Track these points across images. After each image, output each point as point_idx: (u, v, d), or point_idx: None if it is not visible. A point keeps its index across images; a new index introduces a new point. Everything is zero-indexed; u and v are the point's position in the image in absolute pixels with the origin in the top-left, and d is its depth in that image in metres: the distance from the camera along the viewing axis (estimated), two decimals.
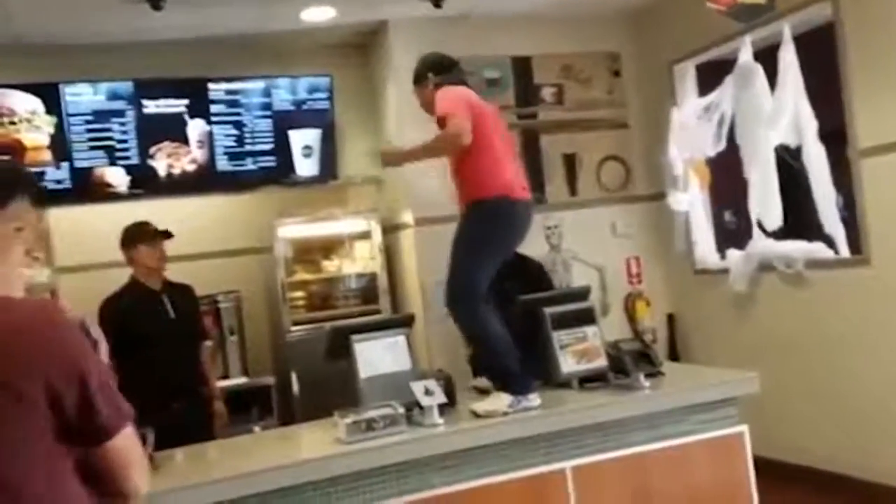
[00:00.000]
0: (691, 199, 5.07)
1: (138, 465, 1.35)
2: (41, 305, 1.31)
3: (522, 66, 5.21)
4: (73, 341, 1.28)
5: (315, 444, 2.86)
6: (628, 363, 3.01)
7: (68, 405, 1.22)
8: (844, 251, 4.27)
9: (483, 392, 3.06)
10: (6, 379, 1.19)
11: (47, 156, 4.66)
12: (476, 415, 2.82)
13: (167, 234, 3.78)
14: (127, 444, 1.32)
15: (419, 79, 3.24)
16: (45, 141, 4.67)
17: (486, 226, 2.96)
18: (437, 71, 3.22)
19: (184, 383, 3.65)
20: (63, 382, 1.22)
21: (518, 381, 2.85)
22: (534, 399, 2.85)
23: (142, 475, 1.36)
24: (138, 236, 3.71)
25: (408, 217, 5.01)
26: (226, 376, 4.67)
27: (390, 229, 5.21)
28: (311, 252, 5.11)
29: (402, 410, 2.77)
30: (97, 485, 1.30)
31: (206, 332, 4.09)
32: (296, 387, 4.68)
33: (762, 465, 3.37)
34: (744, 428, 3.13)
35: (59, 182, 4.65)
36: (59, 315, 1.28)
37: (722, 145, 4.70)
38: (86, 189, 4.72)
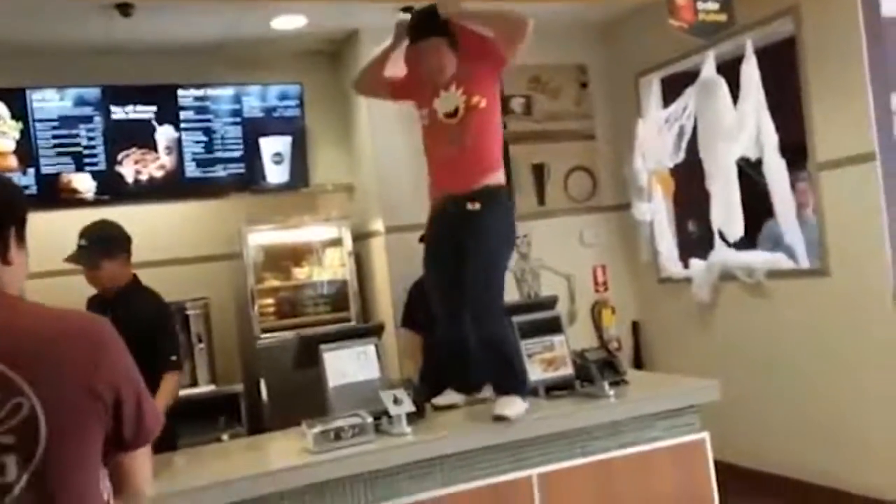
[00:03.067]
0: (655, 209, 5.17)
1: (150, 468, 1.40)
2: (88, 314, 1.35)
3: None
4: (125, 349, 1.31)
5: (283, 454, 2.87)
6: (594, 372, 3.07)
7: (127, 411, 1.27)
8: (804, 262, 4.39)
9: (447, 408, 3.04)
10: (91, 384, 1.22)
11: (13, 162, 4.61)
12: (503, 419, 2.79)
13: (75, 259, 3.14)
14: (149, 448, 1.38)
15: (433, 29, 2.82)
16: (11, 146, 4.62)
17: (510, 224, 2.95)
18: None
19: None
20: (126, 389, 1.27)
21: (526, 385, 2.92)
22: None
23: (150, 477, 1.41)
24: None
25: (378, 225, 5.03)
26: (194, 384, 4.65)
27: (361, 237, 5.23)
28: (281, 259, 5.11)
29: (370, 419, 2.79)
30: (120, 490, 1.34)
31: (166, 351, 3.20)
32: (265, 394, 4.67)
33: (723, 469, 3.45)
34: (705, 434, 3.20)
35: (25, 188, 4.60)
36: (105, 323, 1.31)
37: (681, 156, 4.80)
38: (52, 195, 4.68)
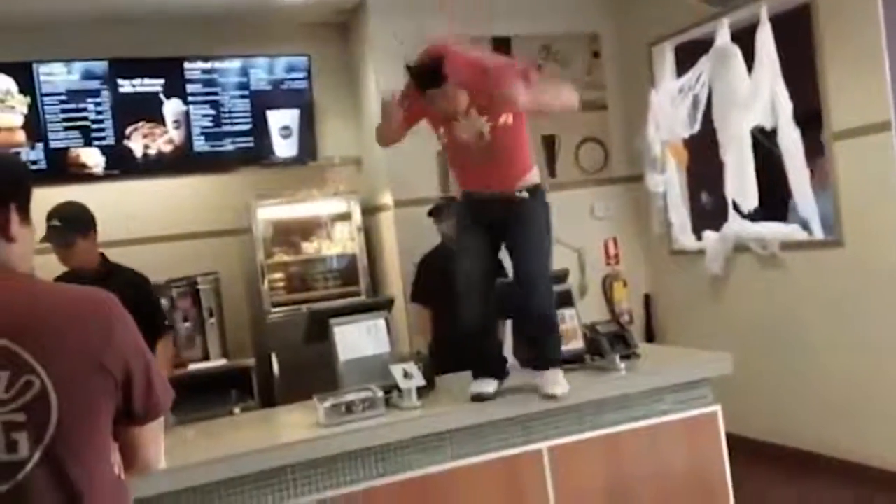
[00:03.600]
0: (668, 181, 5.11)
1: (162, 442, 1.40)
2: (96, 291, 1.32)
3: (502, 47, 5.20)
4: (133, 324, 1.31)
5: (295, 427, 2.87)
6: (604, 345, 3.05)
7: (137, 386, 1.27)
8: (819, 233, 4.34)
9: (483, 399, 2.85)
10: (101, 361, 1.22)
11: (21, 136, 4.60)
12: (554, 397, 2.78)
13: (66, 233, 3.12)
14: (161, 421, 1.37)
15: (436, 80, 2.60)
16: (19, 121, 4.61)
17: (548, 218, 2.90)
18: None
19: None
20: (135, 364, 1.26)
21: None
22: None
23: (162, 451, 1.42)
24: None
25: (387, 198, 5.01)
26: (206, 358, 4.67)
27: (370, 210, 5.21)
28: (290, 233, 5.10)
29: (380, 393, 2.79)
30: (131, 464, 1.35)
31: (157, 318, 3.41)
32: (276, 369, 4.69)
33: (735, 442, 3.44)
34: (717, 408, 3.19)
35: (34, 163, 4.59)
36: (113, 299, 1.31)
37: (697, 127, 4.73)
38: (61, 170, 4.68)
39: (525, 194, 2.80)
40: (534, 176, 2.87)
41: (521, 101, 2.57)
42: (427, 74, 2.60)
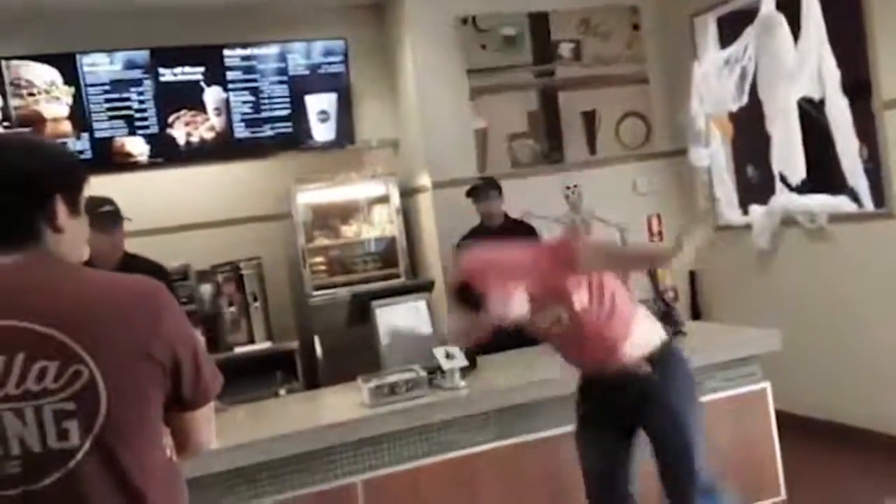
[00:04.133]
0: (713, 155, 5.01)
1: (213, 425, 1.41)
2: (144, 279, 1.32)
3: (539, 22, 5.13)
4: (181, 311, 1.32)
5: (340, 408, 2.91)
6: None
7: (185, 373, 1.27)
8: (868, 205, 4.21)
9: None
10: (149, 349, 1.22)
11: (67, 127, 4.69)
12: None
13: (118, 217, 3.20)
14: (212, 405, 1.38)
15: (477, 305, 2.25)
16: (65, 112, 4.70)
17: (689, 375, 2.45)
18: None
19: None
20: (183, 351, 1.27)
21: None
22: None
23: (213, 431, 1.42)
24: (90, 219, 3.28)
25: (425, 180, 5.00)
26: (251, 341, 4.74)
27: (408, 192, 5.21)
28: (329, 217, 5.13)
29: (423, 374, 2.80)
30: (182, 447, 1.36)
31: None
32: (319, 351, 4.74)
33: (784, 419, 3.39)
34: (766, 384, 3.15)
35: (80, 153, 4.68)
36: (161, 287, 1.31)
37: (744, 99, 4.61)
38: (107, 159, 4.76)
39: (647, 368, 2.34)
40: (651, 338, 2.40)
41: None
42: (467, 305, 2.26)
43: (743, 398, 3.11)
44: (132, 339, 1.22)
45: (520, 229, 4.27)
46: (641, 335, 2.38)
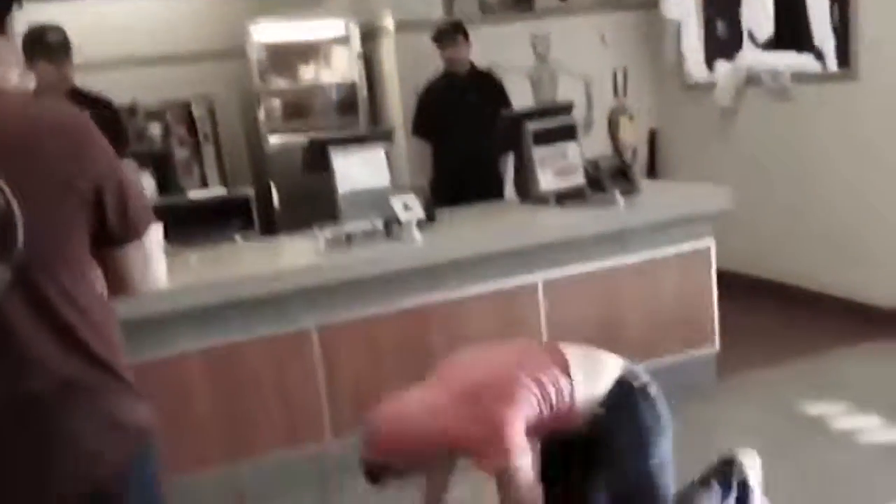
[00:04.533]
0: (684, 7, 4.86)
1: (159, 262, 1.37)
2: (67, 108, 1.26)
3: None
4: (105, 143, 1.26)
5: (296, 256, 2.91)
6: (605, 181, 3.03)
7: (109, 205, 1.24)
8: (832, 65, 4.17)
9: None
10: (69, 179, 1.18)
11: None
12: None
13: (66, 47, 3.07)
14: (152, 241, 1.34)
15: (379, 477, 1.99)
16: None
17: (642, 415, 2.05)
18: None
19: None
20: (107, 182, 1.23)
21: None
22: None
23: (161, 271, 1.38)
24: (38, 48, 2.98)
25: (388, 21, 4.77)
26: (204, 185, 4.65)
27: (370, 34, 4.98)
28: (286, 57, 4.91)
29: (381, 225, 2.80)
30: (117, 285, 1.33)
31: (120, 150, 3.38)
32: (276, 198, 4.69)
33: (731, 278, 3.49)
34: (710, 242, 3.21)
35: None
36: (84, 117, 1.25)
37: None
38: None
39: (601, 411, 2.02)
40: (587, 390, 2.00)
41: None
42: (371, 475, 1.97)
43: (687, 256, 3.18)
44: (53, 168, 1.17)
45: (485, 81, 4.15)
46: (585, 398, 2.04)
